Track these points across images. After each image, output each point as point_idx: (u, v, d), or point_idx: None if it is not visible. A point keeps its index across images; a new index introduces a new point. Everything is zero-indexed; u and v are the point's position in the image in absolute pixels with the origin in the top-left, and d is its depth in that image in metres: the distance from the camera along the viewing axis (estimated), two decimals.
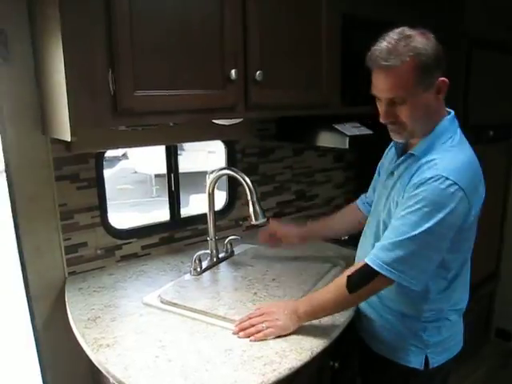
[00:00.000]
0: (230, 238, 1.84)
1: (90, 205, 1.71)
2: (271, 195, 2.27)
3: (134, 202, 6.13)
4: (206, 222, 1.77)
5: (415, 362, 1.32)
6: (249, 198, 1.60)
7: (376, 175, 1.61)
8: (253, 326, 1.24)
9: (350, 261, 1.78)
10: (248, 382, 1.07)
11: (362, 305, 1.42)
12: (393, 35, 1.15)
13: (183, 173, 2.17)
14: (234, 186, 2.11)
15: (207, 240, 1.77)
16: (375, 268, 1.16)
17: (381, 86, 1.18)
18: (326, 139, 1.99)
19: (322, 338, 1.25)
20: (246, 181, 1.60)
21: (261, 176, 2.20)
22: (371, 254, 1.19)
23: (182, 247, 1.97)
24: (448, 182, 1.11)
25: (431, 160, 1.17)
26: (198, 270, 1.67)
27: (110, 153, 1.91)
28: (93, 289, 1.60)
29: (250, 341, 1.21)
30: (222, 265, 1.78)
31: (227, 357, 1.17)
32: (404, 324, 1.33)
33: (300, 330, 1.27)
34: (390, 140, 1.33)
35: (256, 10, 1.52)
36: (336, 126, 1.91)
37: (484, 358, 2.87)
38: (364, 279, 1.18)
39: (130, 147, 1.81)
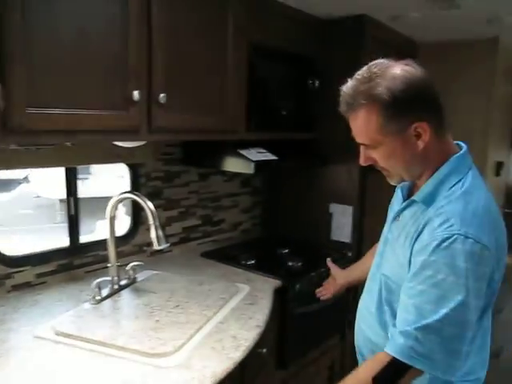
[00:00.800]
0: (133, 264, 1.77)
1: None
2: (176, 220, 2.23)
3: (36, 229, 5.73)
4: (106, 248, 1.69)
5: None
6: (151, 222, 1.56)
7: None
8: None
9: (255, 284, 1.81)
10: None
11: None
12: (360, 72, 1.04)
13: (90, 198, 2.08)
14: (137, 211, 2.05)
15: (100, 268, 1.69)
16: (407, 362, 0.95)
17: (352, 130, 1.08)
18: (231, 164, 2.02)
19: (225, 362, 1.23)
20: (147, 205, 1.56)
21: (165, 200, 2.16)
22: (397, 343, 0.97)
23: (82, 274, 1.86)
24: (470, 241, 0.93)
25: (441, 212, 0.99)
26: (98, 298, 1.58)
27: (6, 175, 1.77)
28: None
29: None
30: (124, 292, 1.70)
31: None
32: None
33: (203, 358, 1.24)
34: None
35: (163, 30, 1.51)
36: (241, 152, 1.94)
37: None
38: (395, 376, 0.98)
39: (24, 168, 1.69)
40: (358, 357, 1.29)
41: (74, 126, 1.32)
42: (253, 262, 2.09)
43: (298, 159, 2.31)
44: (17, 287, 1.69)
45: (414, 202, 1.09)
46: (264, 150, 2.05)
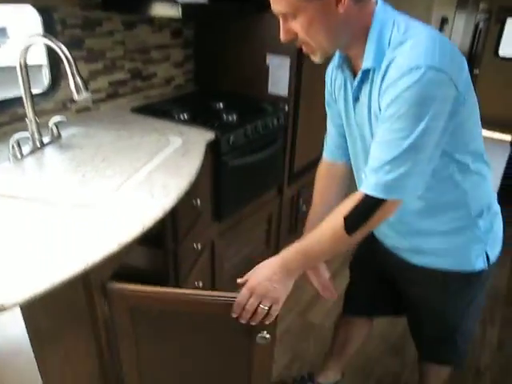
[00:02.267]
0: (55, 119, 1.66)
1: None
2: (102, 74, 2.06)
3: None
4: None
5: (479, 263, 1.19)
6: (67, 69, 1.41)
7: (328, 110, 1.31)
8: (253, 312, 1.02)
9: (188, 137, 1.76)
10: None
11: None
12: None
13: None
14: (55, 63, 1.87)
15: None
16: (379, 196, 0.95)
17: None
18: (156, 8, 1.82)
19: (155, 209, 1.22)
20: (61, 49, 1.39)
21: (87, 52, 1.97)
22: (367, 182, 0.97)
23: None
24: (423, 71, 0.88)
25: (393, 58, 0.94)
26: (19, 155, 1.49)
27: None
28: None
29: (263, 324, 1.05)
30: (47, 149, 1.61)
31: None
32: (457, 230, 1.15)
33: (131, 207, 1.22)
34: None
35: None
36: None
37: None
38: (367, 213, 0.97)
39: None
40: None
41: None
42: (186, 116, 2.01)
43: (233, 3, 2.12)
44: None
45: (367, 71, 1.01)
46: None
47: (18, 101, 1.73)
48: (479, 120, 1.07)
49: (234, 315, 1.03)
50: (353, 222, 0.98)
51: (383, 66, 0.97)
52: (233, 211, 2.10)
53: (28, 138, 1.55)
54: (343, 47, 1.05)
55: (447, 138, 0.97)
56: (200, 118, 1.97)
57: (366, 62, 1.00)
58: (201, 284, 1.85)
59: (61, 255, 0.98)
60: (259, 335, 1.08)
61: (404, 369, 1.96)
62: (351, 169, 1.30)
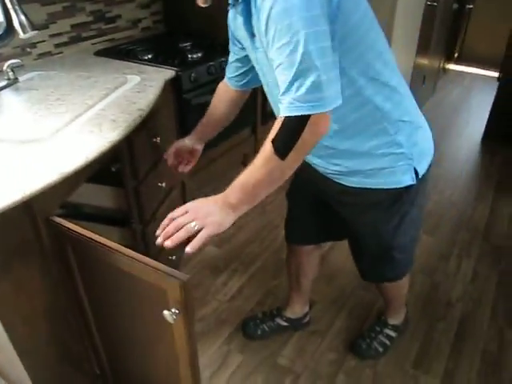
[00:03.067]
0: (10, 62, 1.65)
1: None
2: (62, 17, 2.02)
3: None
4: None
5: (406, 179, 1.20)
6: (9, 7, 1.39)
7: (231, 52, 1.33)
8: (180, 228, 0.98)
9: (148, 75, 1.75)
10: None
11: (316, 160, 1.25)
12: None
13: None
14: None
15: None
16: (298, 114, 0.90)
17: None
18: None
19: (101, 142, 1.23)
20: None
21: None
22: (283, 105, 0.92)
23: None
24: None
25: None
26: None
27: None
28: None
29: (186, 252, 0.96)
30: (3, 92, 1.61)
31: None
32: (378, 148, 1.14)
33: (79, 141, 1.23)
34: None
35: None
36: None
37: None
38: (293, 134, 0.92)
39: None
40: None
41: None
42: (150, 56, 1.99)
43: None
44: None
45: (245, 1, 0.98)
46: None
47: None
48: (385, 44, 1.06)
49: (159, 231, 1.00)
50: (281, 144, 0.93)
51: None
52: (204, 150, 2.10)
53: None
54: None
55: (343, 53, 0.95)
56: (163, 57, 1.95)
57: None
58: None
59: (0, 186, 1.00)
60: (166, 312, 0.97)
61: (376, 300, 2.00)
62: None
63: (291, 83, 0.89)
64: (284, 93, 0.92)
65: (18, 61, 1.67)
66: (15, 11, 1.40)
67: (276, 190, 1.01)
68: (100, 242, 1.06)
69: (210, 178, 2.24)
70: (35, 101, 1.50)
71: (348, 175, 1.22)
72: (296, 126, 0.91)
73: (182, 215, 0.99)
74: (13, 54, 1.88)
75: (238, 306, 1.98)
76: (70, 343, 1.38)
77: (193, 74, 1.87)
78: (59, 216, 1.14)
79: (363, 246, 1.45)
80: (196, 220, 0.97)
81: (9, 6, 1.39)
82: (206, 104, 1.97)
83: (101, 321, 1.33)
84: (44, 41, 1.98)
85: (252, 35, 1.04)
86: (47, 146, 1.20)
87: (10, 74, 1.66)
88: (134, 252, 1.03)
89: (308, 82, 0.88)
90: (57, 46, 2.05)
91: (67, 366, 1.41)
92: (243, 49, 1.23)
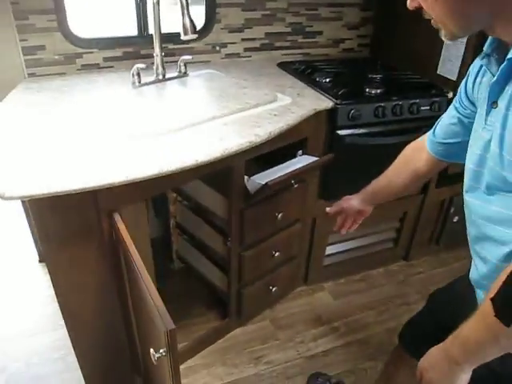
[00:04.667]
0: (183, 58, 1.76)
1: (45, 7, 1.68)
2: (258, 24, 2.06)
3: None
4: (178, 42, 1.68)
5: None
6: (180, 9, 1.46)
7: (453, 107, 1.03)
8: None
9: (302, 100, 1.65)
10: None
11: None
12: None
13: None
14: (212, 9, 1.94)
15: (173, 61, 1.76)
16: None
17: None
18: None
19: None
20: None
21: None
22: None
23: (148, 65, 1.92)
24: None
25: None
26: (137, 83, 1.65)
27: None
28: (37, 90, 1.65)
29: None
30: (170, 83, 1.73)
31: None
32: None
33: None
34: None
35: None
36: None
37: None
38: None
39: None
40: None
41: None
42: (327, 79, 1.87)
43: None
44: (86, 67, 1.85)
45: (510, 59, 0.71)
46: None
47: (170, 37, 1.90)
48: None
49: None
50: (504, 305, 0.70)
51: None
52: (341, 191, 1.90)
53: (151, 69, 1.69)
54: (486, 28, 0.75)
55: None
56: (339, 83, 1.81)
57: None
58: (277, 254, 1.78)
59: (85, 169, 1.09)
60: (151, 350, 0.94)
61: None
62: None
63: None
64: None
65: (190, 57, 1.77)
66: (183, 14, 1.47)
67: None
68: (131, 256, 1.04)
69: None
70: (181, 97, 1.58)
71: None
72: None
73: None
74: (203, 50, 2.01)
75: (312, 367, 1.76)
76: (113, 322, 1.42)
77: (353, 111, 1.69)
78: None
79: None
80: None
81: (180, 8, 1.46)
82: (361, 147, 1.79)
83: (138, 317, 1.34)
84: (235, 43, 2.06)
85: (492, 103, 0.78)
86: (163, 141, 1.27)
87: (182, 68, 1.77)
88: (151, 285, 0.98)
89: None
90: (246, 49, 2.10)
91: (107, 343, 1.46)
92: (473, 113, 0.92)
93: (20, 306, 1.97)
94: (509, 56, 0.70)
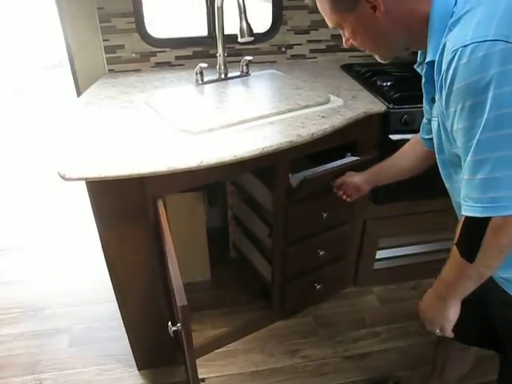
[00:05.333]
0: (246, 58, 1.85)
1: (125, 11, 1.86)
2: (325, 26, 2.06)
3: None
4: (244, 43, 1.78)
5: None
6: (237, 13, 1.55)
7: (424, 105, 1.15)
8: None
9: (354, 102, 1.67)
10: None
11: None
12: None
13: None
14: (278, 10, 2.01)
15: (239, 61, 1.87)
16: (476, 215, 0.81)
17: None
18: None
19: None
20: None
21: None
22: (463, 203, 0.85)
23: (214, 63, 2.03)
24: (473, 47, 0.73)
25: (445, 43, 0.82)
26: (199, 81, 1.77)
27: None
28: (112, 85, 1.84)
29: None
30: (231, 82, 1.83)
31: None
32: None
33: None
34: None
35: None
36: None
37: None
38: (475, 238, 0.84)
39: None
40: None
41: None
42: (387, 83, 1.86)
43: None
44: (159, 64, 2.02)
45: (431, 64, 0.87)
46: None
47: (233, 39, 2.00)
48: None
49: None
50: (464, 248, 0.89)
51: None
52: (397, 199, 1.89)
53: (214, 68, 1.81)
54: (409, 46, 0.95)
55: None
56: (400, 88, 1.79)
57: (428, 55, 0.88)
58: (322, 253, 1.82)
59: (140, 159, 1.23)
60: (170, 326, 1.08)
61: None
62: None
63: (471, 174, 0.82)
64: (465, 185, 0.84)
65: (251, 58, 1.86)
66: (240, 18, 1.56)
67: None
68: (164, 238, 1.16)
69: (395, 227, 2.00)
70: (237, 95, 1.69)
71: None
72: (478, 229, 0.83)
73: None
74: (269, 51, 2.10)
75: (347, 368, 1.78)
76: (156, 298, 1.56)
77: (405, 116, 1.67)
78: None
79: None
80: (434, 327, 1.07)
81: (237, 12, 1.55)
82: None
83: None
84: (301, 44, 2.11)
85: (432, 100, 0.98)
86: (210, 136, 1.39)
87: (244, 67, 1.87)
88: (175, 265, 1.10)
89: (487, 175, 0.78)
90: (312, 51, 2.15)
91: (151, 317, 1.60)
92: None
93: (89, 277, 2.21)
94: (426, 61, 0.89)
